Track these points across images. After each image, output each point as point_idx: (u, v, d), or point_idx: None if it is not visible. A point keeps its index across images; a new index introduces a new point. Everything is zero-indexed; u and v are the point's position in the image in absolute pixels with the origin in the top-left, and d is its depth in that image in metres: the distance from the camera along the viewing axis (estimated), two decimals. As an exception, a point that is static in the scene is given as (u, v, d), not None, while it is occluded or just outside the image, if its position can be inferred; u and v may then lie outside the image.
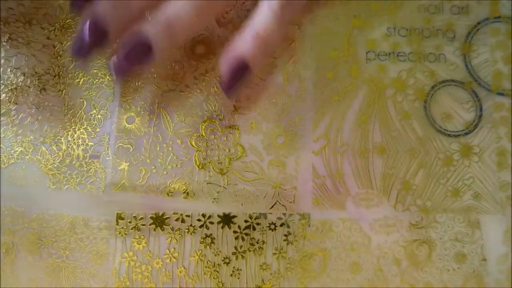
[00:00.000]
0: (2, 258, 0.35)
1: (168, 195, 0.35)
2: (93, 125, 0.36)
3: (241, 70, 0.32)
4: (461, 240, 0.36)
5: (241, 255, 0.35)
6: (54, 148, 0.36)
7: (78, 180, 0.35)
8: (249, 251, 0.35)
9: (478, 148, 0.36)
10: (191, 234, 0.35)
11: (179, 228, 0.35)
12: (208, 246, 0.35)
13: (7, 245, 0.35)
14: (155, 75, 0.36)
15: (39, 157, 0.35)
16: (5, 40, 0.37)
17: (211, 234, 0.35)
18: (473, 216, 0.36)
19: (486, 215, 0.36)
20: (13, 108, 0.36)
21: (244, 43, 0.32)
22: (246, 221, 0.35)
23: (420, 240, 0.36)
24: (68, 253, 0.35)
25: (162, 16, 0.31)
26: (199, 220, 0.35)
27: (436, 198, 0.36)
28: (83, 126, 0.36)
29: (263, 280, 0.35)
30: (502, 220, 0.36)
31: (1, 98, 0.36)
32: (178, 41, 0.32)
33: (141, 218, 0.35)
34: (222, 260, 0.35)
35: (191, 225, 0.35)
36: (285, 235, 0.35)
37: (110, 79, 0.36)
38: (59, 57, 0.36)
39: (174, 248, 0.35)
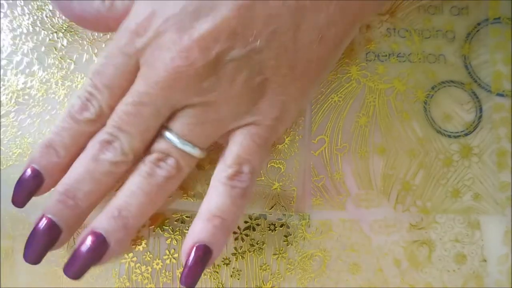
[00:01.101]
0: (1, 263, 0.34)
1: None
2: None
3: (202, 257, 0.30)
4: (461, 241, 0.36)
5: (241, 256, 0.35)
6: (54, 149, 0.36)
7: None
8: (249, 251, 0.35)
9: (478, 149, 0.36)
10: (191, 235, 0.35)
11: (179, 229, 0.35)
12: (208, 247, 0.35)
13: (7, 250, 0.35)
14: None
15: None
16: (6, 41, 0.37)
17: (211, 235, 0.35)
18: (473, 217, 0.36)
19: (486, 215, 0.36)
20: (12, 110, 0.36)
21: (201, 227, 0.30)
22: (245, 222, 0.35)
23: (420, 241, 0.36)
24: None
25: (113, 209, 0.30)
26: (199, 220, 0.35)
27: (436, 198, 0.36)
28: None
29: (263, 281, 0.35)
30: (502, 221, 0.36)
31: (1, 100, 0.36)
32: (134, 230, 0.31)
33: (141, 219, 0.35)
34: (222, 261, 0.35)
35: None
36: (285, 236, 0.35)
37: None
38: (59, 59, 0.36)
39: (174, 249, 0.35)
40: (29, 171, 0.31)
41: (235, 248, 0.35)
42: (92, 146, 0.30)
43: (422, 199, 0.36)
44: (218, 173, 0.31)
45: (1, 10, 0.37)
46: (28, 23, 0.37)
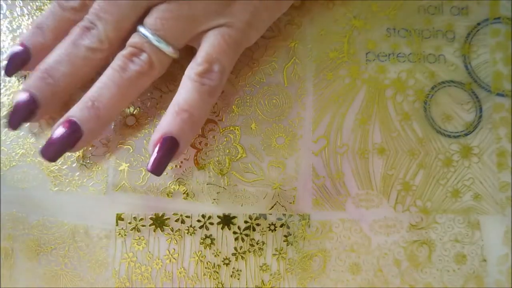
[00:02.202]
0: (1, 263, 0.35)
1: (168, 195, 0.35)
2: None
3: (169, 149, 0.32)
4: (461, 241, 0.36)
5: (241, 256, 0.35)
6: (55, 149, 0.36)
7: (80, 182, 0.35)
8: (249, 252, 0.35)
9: (478, 149, 0.36)
10: (191, 235, 0.35)
11: (179, 229, 0.35)
12: (208, 247, 0.35)
13: (7, 251, 0.35)
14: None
15: (40, 159, 0.35)
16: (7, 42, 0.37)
17: (211, 235, 0.35)
18: (473, 217, 0.36)
19: (486, 216, 0.36)
20: (14, 110, 0.36)
21: (169, 120, 0.32)
22: (246, 222, 0.35)
23: (420, 241, 0.36)
24: (67, 261, 0.35)
25: (87, 99, 0.32)
26: (199, 221, 0.35)
27: (436, 199, 0.36)
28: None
29: (263, 281, 0.35)
30: (502, 221, 0.36)
31: (3, 101, 0.36)
32: (106, 121, 0.33)
33: (141, 219, 0.35)
34: (222, 261, 0.35)
35: (191, 226, 0.35)
36: (285, 236, 0.35)
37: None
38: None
39: (174, 249, 0.35)
40: (19, 47, 0.34)
41: (235, 248, 0.35)
42: (73, 31, 0.33)
43: (422, 199, 0.36)
44: (189, 70, 0.33)
45: (1, 11, 0.37)
46: (27, 24, 0.37)
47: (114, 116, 0.34)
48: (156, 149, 0.32)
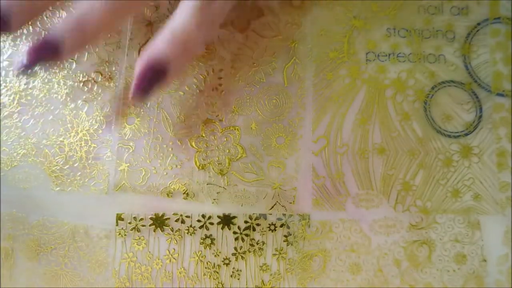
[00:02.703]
0: (1, 263, 0.35)
1: (168, 195, 0.35)
2: (95, 127, 0.36)
3: (155, 72, 0.30)
4: (461, 241, 0.36)
5: (241, 256, 0.35)
6: (57, 150, 0.36)
7: (81, 182, 0.35)
8: (249, 252, 0.35)
9: (478, 149, 0.36)
10: (191, 234, 0.35)
11: (179, 229, 0.35)
12: (208, 247, 0.35)
13: (7, 251, 0.35)
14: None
15: (42, 159, 0.36)
16: (8, 42, 0.37)
17: (211, 235, 0.35)
18: (473, 217, 0.36)
19: (486, 216, 0.36)
20: (15, 111, 0.36)
21: (160, 43, 0.30)
22: (246, 222, 0.35)
23: (420, 241, 0.36)
24: (67, 261, 0.35)
25: (72, 14, 0.30)
26: (199, 220, 0.35)
27: (436, 199, 0.36)
28: (85, 128, 0.36)
29: (263, 281, 0.35)
30: (502, 221, 0.36)
31: (4, 101, 0.36)
32: (89, 38, 0.30)
33: (141, 219, 0.35)
34: (222, 261, 0.35)
35: (191, 226, 0.35)
36: (285, 236, 0.35)
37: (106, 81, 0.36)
38: (60, 59, 0.36)
39: (174, 249, 0.35)
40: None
41: (235, 248, 0.35)
42: None
43: (422, 199, 0.36)
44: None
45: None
46: (29, 23, 0.37)
47: (99, 34, 0.31)
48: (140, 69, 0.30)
